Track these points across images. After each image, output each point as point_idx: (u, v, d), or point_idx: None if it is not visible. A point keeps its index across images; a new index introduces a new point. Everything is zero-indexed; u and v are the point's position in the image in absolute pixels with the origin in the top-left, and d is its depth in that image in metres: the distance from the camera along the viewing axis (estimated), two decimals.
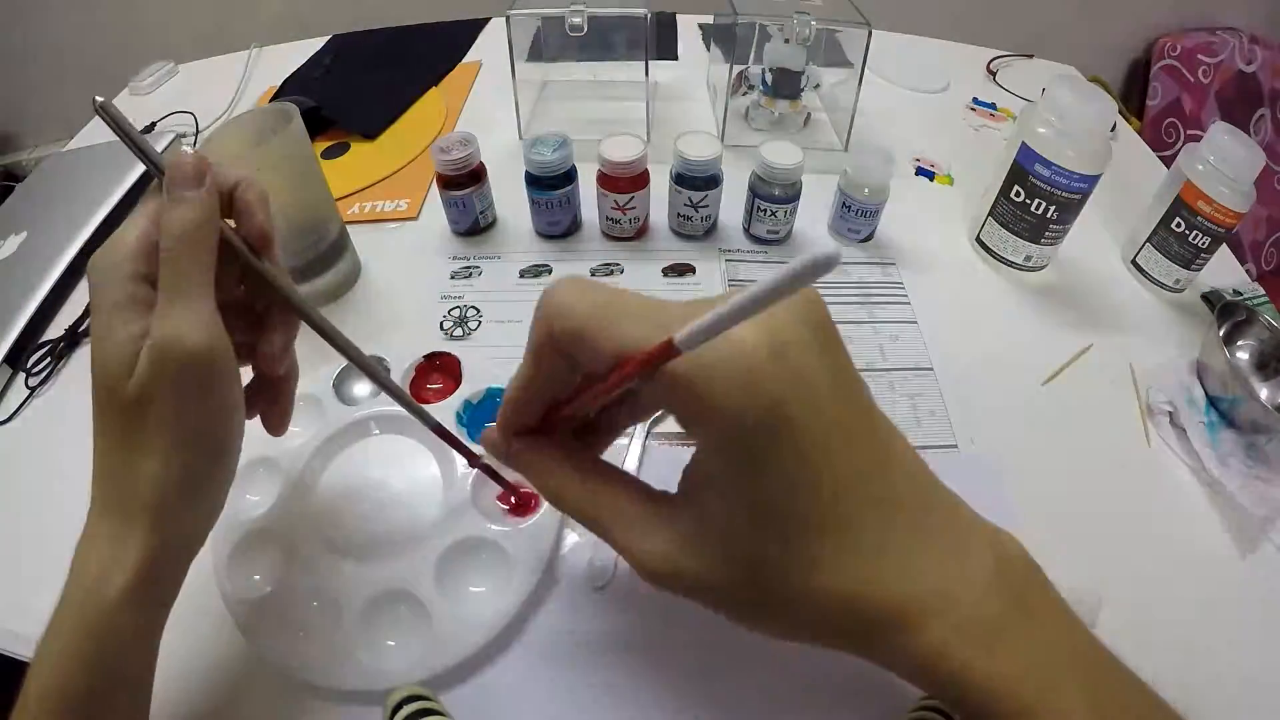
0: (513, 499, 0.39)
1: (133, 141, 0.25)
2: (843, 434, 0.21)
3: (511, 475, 0.39)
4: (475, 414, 0.45)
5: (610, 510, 0.25)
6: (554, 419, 0.26)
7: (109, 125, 0.25)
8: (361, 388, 0.46)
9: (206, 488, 0.28)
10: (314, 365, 0.47)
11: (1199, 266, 0.55)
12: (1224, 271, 0.60)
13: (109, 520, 0.26)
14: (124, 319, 0.25)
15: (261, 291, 0.31)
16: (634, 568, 0.24)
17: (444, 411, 0.44)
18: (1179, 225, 0.54)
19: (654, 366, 0.19)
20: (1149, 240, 0.57)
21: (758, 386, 0.19)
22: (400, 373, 0.46)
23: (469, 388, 0.45)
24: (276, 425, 0.33)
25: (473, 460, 0.37)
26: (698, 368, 0.19)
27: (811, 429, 0.20)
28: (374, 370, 0.32)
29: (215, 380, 0.26)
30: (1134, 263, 0.59)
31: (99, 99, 0.24)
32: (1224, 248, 0.63)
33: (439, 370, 0.48)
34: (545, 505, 0.39)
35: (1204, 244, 0.53)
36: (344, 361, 0.47)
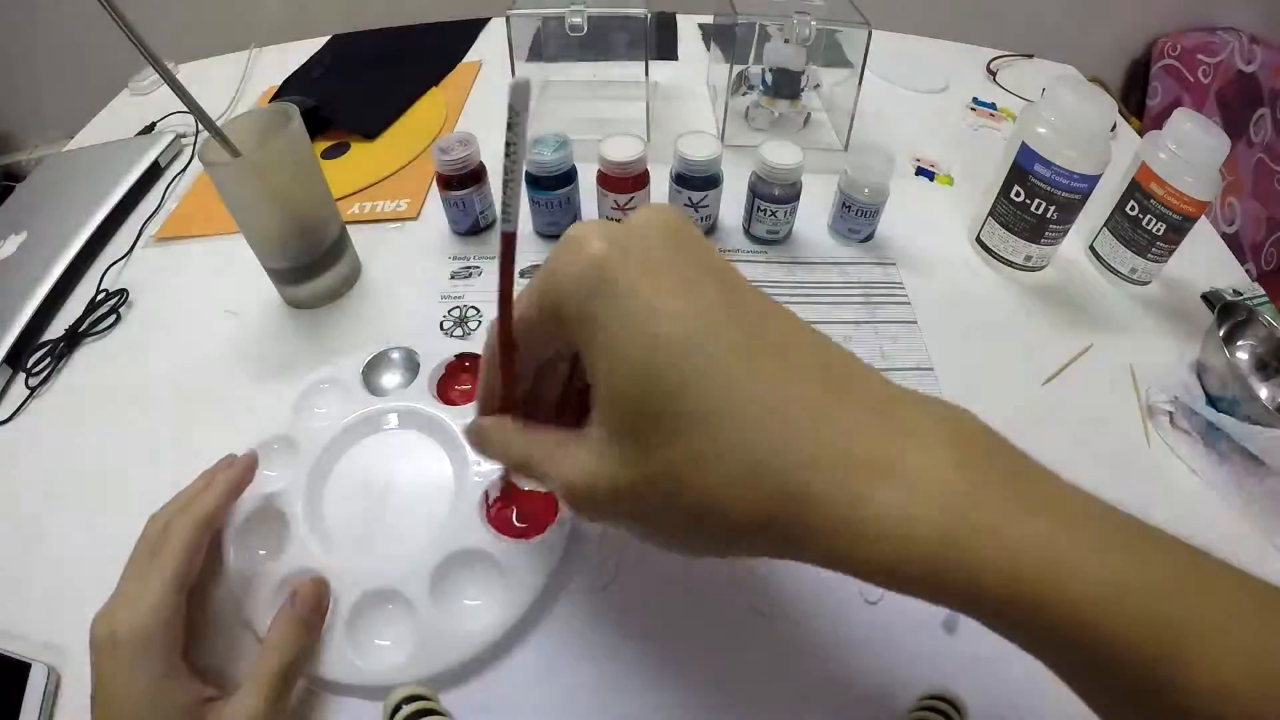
0: (514, 518, 0.39)
1: None
2: (678, 295, 0.20)
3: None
4: None
5: (542, 447, 0.25)
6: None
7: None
8: (390, 378, 0.46)
9: None
10: (345, 352, 0.47)
11: (1156, 256, 0.54)
12: (1224, 272, 0.60)
13: None
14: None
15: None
16: (562, 500, 0.23)
17: (466, 417, 0.43)
18: (1133, 209, 0.53)
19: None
20: (1105, 225, 0.56)
21: (588, 258, 0.20)
22: (430, 370, 0.45)
23: None
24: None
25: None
26: (550, 275, 0.21)
27: (634, 287, 0.19)
28: None
29: None
30: (1091, 248, 0.58)
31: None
32: (1224, 248, 0.63)
33: (468, 371, 0.47)
34: (550, 527, 0.38)
35: (1159, 230, 0.52)
36: (375, 350, 0.47)
